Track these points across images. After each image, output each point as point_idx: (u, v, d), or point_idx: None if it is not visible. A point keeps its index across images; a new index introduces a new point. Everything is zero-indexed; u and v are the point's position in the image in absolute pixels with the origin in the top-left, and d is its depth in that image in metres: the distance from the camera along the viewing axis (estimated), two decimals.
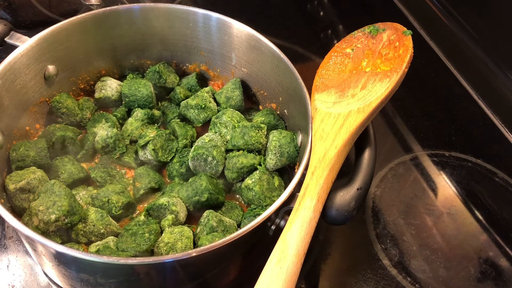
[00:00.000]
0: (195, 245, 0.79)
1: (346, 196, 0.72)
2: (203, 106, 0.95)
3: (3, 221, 0.92)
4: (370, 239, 0.95)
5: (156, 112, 0.98)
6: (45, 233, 0.76)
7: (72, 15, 0.93)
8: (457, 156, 1.11)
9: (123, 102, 0.98)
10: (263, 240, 0.76)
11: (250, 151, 0.88)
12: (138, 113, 0.95)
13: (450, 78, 1.29)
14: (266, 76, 0.96)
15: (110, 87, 0.99)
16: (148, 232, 0.77)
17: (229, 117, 0.93)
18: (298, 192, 0.72)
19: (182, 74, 1.07)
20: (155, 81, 1.00)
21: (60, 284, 0.84)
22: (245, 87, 1.01)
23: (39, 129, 0.93)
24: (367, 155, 0.78)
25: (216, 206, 0.86)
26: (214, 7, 0.98)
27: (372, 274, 0.91)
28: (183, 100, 0.98)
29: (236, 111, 0.95)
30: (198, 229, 0.81)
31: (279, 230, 0.70)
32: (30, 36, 0.88)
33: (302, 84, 0.85)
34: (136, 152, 0.93)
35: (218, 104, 0.99)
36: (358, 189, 0.73)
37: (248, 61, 0.98)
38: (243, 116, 0.96)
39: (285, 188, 0.73)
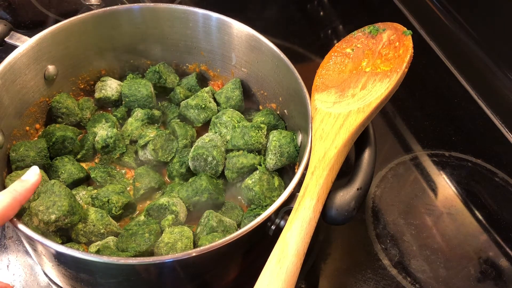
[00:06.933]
0: (195, 245, 0.79)
1: (346, 196, 0.72)
2: (203, 106, 0.95)
3: None
4: (370, 239, 0.95)
5: (156, 112, 0.98)
6: (45, 233, 0.76)
7: (72, 15, 0.93)
8: (457, 156, 1.11)
9: (123, 102, 0.98)
10: (263, 240, 0.76)
11: (250, 151, 0.88)
12: (138, 113, 0.95)
13: (450, 78, 1.29)
14: (266, 76, 0.96)
15: (110, 87, 0.99)
16: (148, 232, 0.77)
17: (229, 117, 0.93)
18: (298, 192, 0.72)
19: (182, 74, 1.07)
20: (155, 81, 1.00)
21: (60, 284, 0.84)
22: (245, 87, 1.01)
23: (39, 129, 0.93)
24: (367, 155, 0.78)
25: (216, 206, 0.86)
26: (214, 7, 0.98)
27: (372, 274, 0.91)
28: (183, 100, 0.98)
29: (236, 111, 0.95)
30: (198, 229, 0.81)
31: (279, 230, 0.69)
32: (30, 36, 0.88)
33: (302, 84, 0.85)
34: (136, 152, 0.93)
35: (218, 104, 0.99)
36: (358, 189, 0.73)
37: (248, 61, 0.98)
38: (243, 116, 0.96)
39: (285, 188, 0.73)
